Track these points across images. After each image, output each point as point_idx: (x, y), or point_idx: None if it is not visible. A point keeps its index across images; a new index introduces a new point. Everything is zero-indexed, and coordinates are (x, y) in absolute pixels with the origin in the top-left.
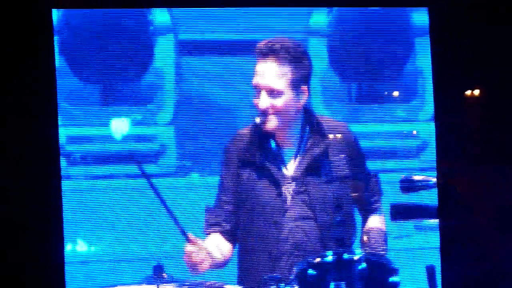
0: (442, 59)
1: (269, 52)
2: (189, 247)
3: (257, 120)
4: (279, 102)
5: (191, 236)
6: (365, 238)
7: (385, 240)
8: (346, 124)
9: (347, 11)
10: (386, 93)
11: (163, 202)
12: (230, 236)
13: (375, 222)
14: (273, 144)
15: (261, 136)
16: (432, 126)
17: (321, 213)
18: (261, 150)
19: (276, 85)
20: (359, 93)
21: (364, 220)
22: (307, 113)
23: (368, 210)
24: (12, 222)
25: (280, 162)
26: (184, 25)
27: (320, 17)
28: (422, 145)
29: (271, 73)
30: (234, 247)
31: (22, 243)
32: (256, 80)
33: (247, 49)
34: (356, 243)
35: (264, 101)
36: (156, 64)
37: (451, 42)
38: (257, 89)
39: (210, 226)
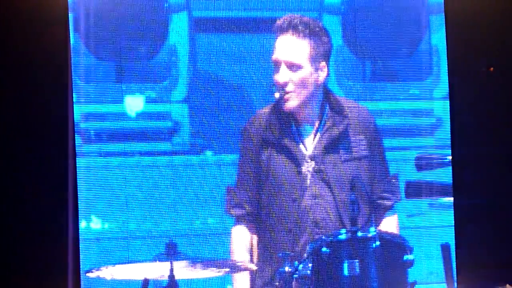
0: (457, 36)
1: (288, 27)
2: None
3: (276, 95)
4: (298, 76)
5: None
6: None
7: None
8: (366, 107)
9: None
10: (400, 70)
11: None
12: (253, 218)
13: (389, 226)
14: (292, 122)
15: (279, 114)
16: (447, 103)
17: (339, 191)
18: (280, 129)
19: (295, 59)
20: (373, 71)
21: (378, 218)
22: (326, 91)
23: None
24: (27, 200)
25: (299, 140)
26: (198, 2)
27: None
28: (437, 122)
29: (290, 47)
30: (258, 234)
31: (37, 220)
32: (276, 54)
33: (261, 26)
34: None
35: (283, 75)
36: (170, 42)
37: (466, 20)
38: (277, 64)
39: (233, 207)
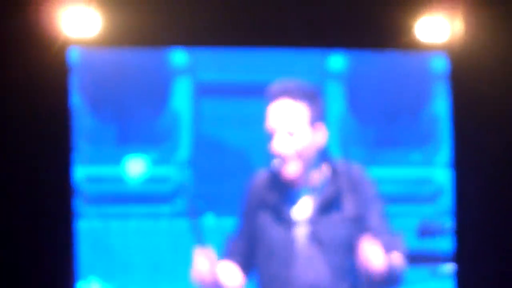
0: (460, 104)
1: (282, 93)
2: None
3: (276, 163)
4: (297, 142)
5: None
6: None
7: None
8: (363, 168)
9: (365, 54)
10: (402, 137)
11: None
12: (245, 269)
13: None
14: (288, 185)
15: (278, 178)
16: (448, 171)
17: (335, 254)
18: (276, 191)
19: (293, 126)
20: (375, 136)
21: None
22: (325, 154)
23: None
24: (26, 262)
25: (295, 202)
26: (201, 66)
27: (337, 60)
28: (439, 190)
29: (287, 113)
30: (247, 278)
31: (35, 283)
32: (271, 122)
33: (264, 90)
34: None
35: (281, 143)
36: (173, 104)
37: (470, 88)
38: (273, 132)
39: (227, 257)
